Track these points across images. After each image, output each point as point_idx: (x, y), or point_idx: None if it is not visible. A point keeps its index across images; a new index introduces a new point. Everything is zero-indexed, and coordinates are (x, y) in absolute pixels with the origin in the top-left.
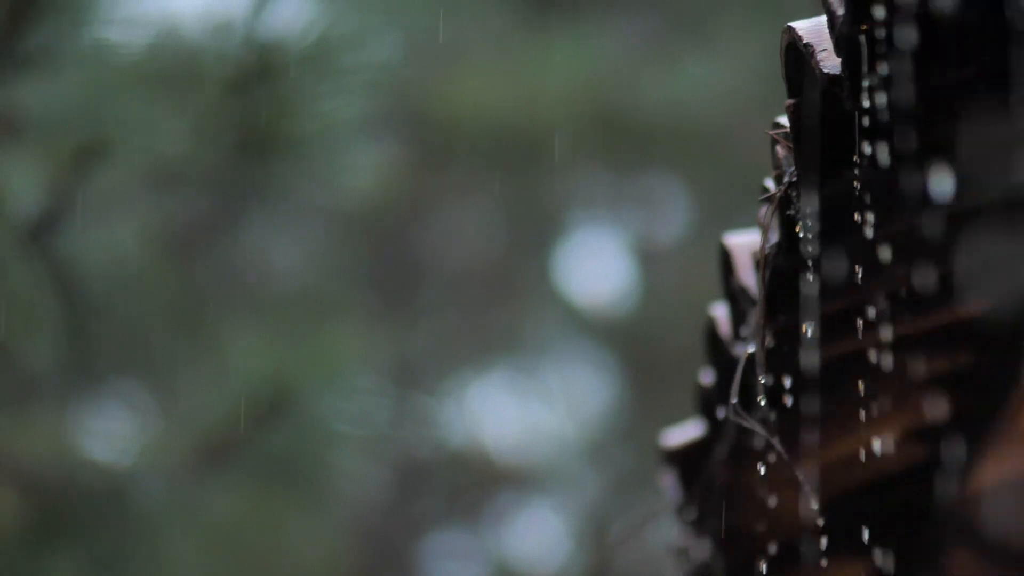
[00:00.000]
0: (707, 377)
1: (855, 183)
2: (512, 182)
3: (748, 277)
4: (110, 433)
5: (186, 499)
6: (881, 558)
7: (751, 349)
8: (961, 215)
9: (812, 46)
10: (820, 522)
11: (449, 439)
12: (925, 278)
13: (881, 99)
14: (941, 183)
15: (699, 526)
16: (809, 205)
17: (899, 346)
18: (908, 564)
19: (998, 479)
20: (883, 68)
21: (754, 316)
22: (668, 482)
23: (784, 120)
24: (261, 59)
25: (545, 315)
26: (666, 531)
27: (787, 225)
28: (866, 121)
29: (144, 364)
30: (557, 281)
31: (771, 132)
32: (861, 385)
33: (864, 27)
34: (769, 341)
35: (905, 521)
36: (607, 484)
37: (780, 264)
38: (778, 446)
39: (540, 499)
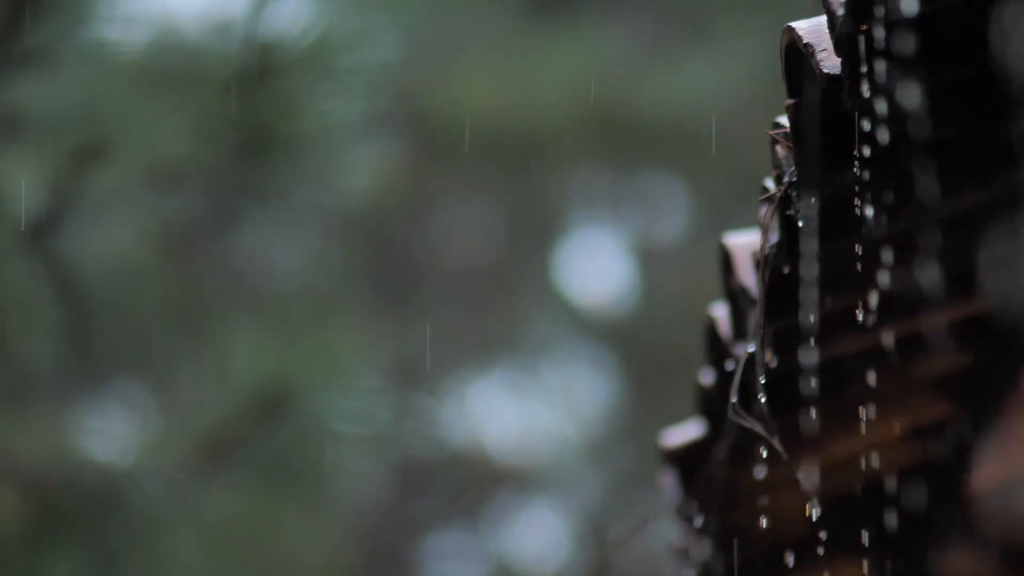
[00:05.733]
0: (707, 377)
1: (855, 183)
2: (512, 181)
3: (748, 277)
4: (110, 433)
5: (186, 499)
6: (881, 558)
7: (751, 349)
8: (961, 214)
9: (812, 46)
10: (820, 522)
11: (449, 439)
12: (925, 278)
13: (881, 99)
14: (941, 182)
15: (699, 526)
16: (809, 205)
17: (899, 346)
18: (908, 564)
19: (998, 479)
20: (883, 68)
21: (754, 316)
22: (668, 482)
23: (784, 120)
24: (261, 59)
25: (545, 315)
26: (666, 531)
27: (787, 225)
28: (866, 121)
29: (144, 364)
30: (557, 281)
31: (771, 132)
32: (861, 385)
33: (864, 27)
34: (769, 341)
35: (905, 521)
36: (607, 484)
37: (780, 264)
38: (778, 446)
39: (540, 499)
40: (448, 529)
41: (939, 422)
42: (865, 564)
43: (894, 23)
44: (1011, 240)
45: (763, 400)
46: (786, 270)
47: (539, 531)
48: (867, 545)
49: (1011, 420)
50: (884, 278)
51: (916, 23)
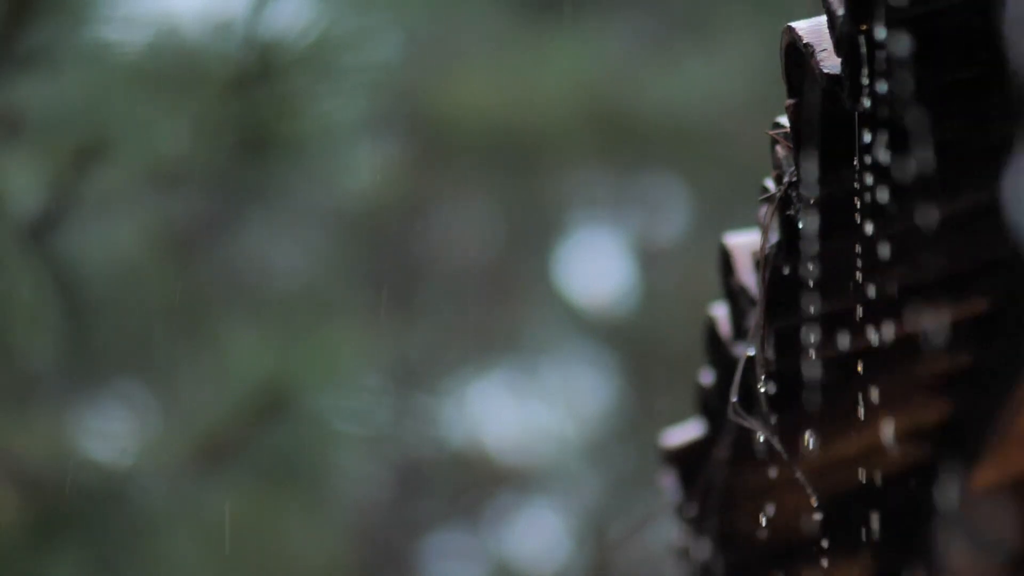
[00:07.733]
0: (707, 377)
1: (855, 183)
2: (512, 182)
3: (748, 277)
4: (110, 433)
5: (186, 499)
6: (881, 558)
7: (751, 349)
8: (960, 214)
9: (812, 46)
10: (820, 522)
11: (449, 439)
12: (925, 278)
13: (881, 99)
14: (940, 182)
15: (699, 526)
16: (809, 205)
17: (899, 346)
18: (908, 564)
19: (998, 479)
20: (883, 68)
21: (754, 316)
22: (668, 482)
23: (784, 120)
24: (261, 59)
25: (545, 315)
26: (666, 531)
27: (787, 225)
28: (866, 121)
29: (144, 364)
30: (557, 281)
31: (771, 132)
32: (861, 385)
33: (864, 27)
34: (769, 341)
35: (905, 521)
36: (607, 484)
37: (780, 264)
38: (778, 446)
39: (540, 499)
40: (448, 529)
41: (939, 422)
42: (865, 564)
43: (894, 23)
44: (1010, 240)
45: (763, 400)
46: (786, 270)
47: (539, 531)
48: (867, 545)
49: (1011, 420)
50: (884, 278)
51: (916, 22)
